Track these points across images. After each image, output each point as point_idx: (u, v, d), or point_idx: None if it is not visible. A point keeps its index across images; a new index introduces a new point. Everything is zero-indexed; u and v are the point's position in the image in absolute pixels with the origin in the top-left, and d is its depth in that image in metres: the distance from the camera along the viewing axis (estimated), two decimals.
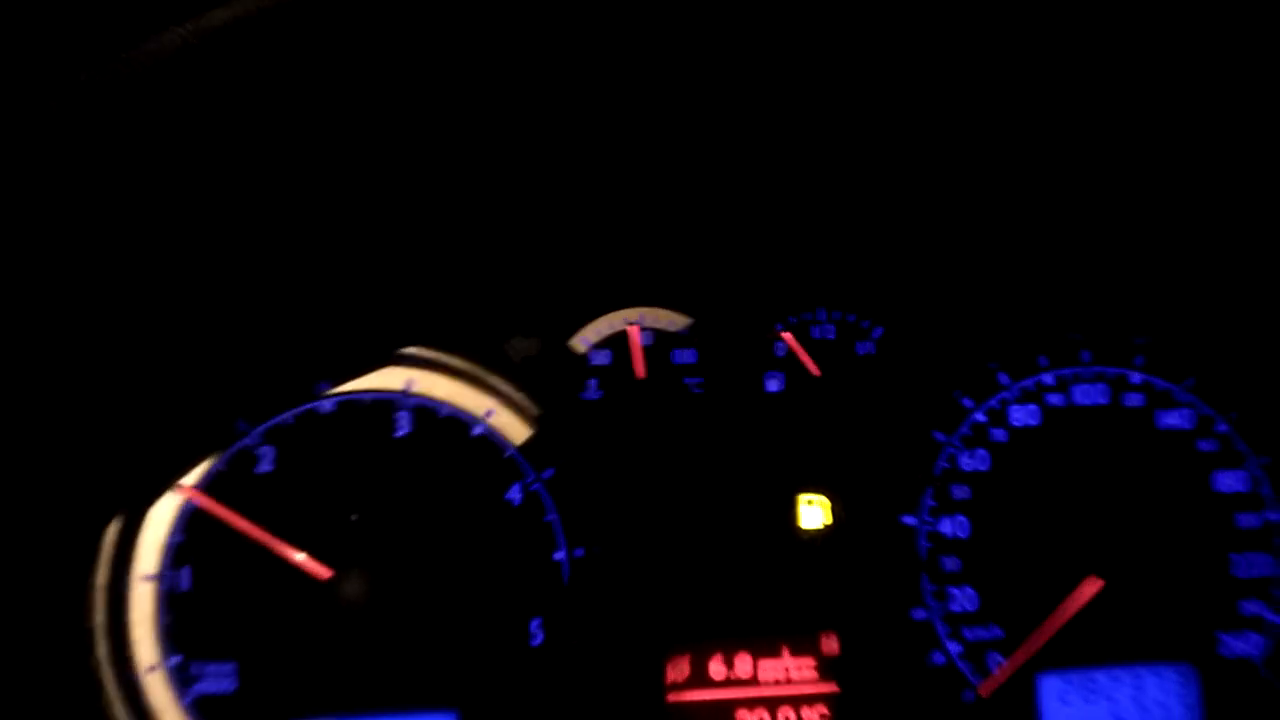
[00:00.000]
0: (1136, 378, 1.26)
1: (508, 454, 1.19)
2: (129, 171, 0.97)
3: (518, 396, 1.20)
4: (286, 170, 1.10)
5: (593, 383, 1.21)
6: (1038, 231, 1.26)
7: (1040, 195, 1.24)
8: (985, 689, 1.17)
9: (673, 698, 1.16)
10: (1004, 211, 1.25)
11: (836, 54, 1.11)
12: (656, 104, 1.14)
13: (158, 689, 1.12)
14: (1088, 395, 1.25)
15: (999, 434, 1.24)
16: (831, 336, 1.24)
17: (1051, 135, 1.13)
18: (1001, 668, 1.17)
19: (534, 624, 1.16)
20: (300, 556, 1.12)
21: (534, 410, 1.20)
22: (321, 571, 1.12)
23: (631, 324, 1.23)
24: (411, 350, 1.19)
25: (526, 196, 1.19)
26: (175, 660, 1.12)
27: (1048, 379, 1.25)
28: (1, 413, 1.08)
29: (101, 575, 1.13)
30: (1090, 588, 1.18)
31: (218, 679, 1.12)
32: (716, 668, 1.17)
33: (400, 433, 1.18)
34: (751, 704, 1.17)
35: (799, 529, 1.20)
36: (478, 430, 1.19)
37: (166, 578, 1.13)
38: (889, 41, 1.06)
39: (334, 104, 1.00)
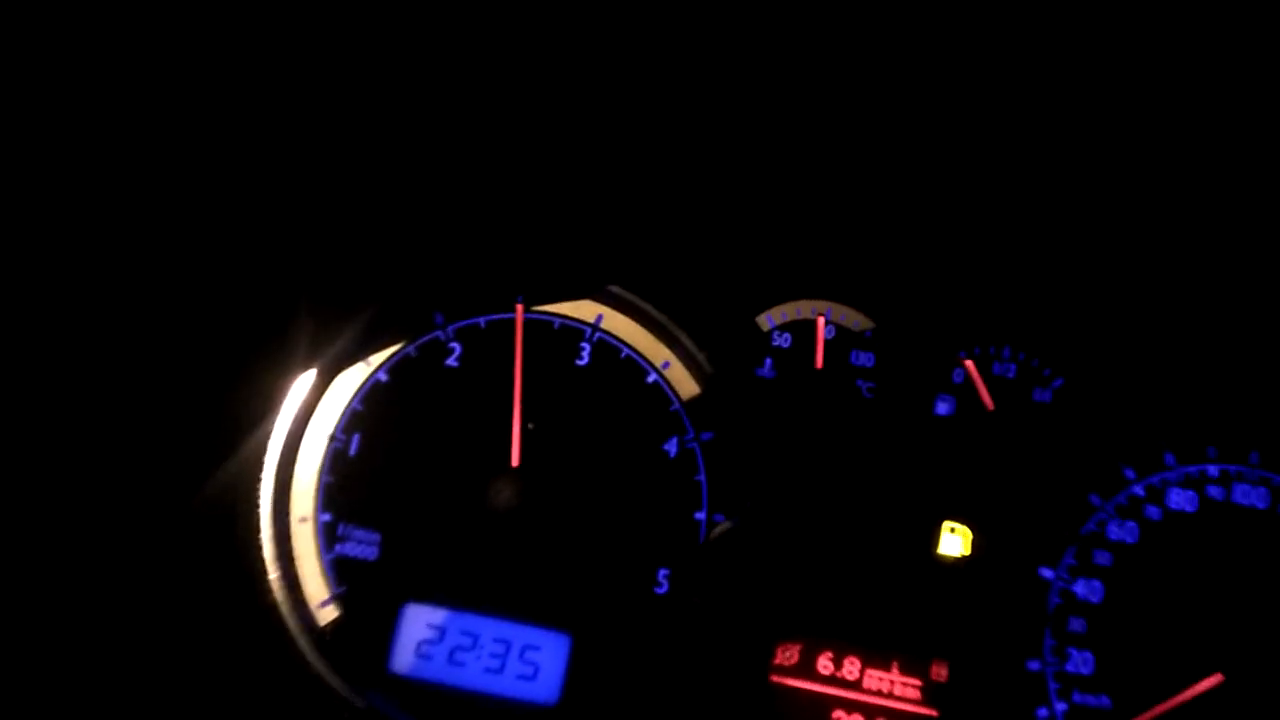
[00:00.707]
0: None
1: (674, 408, 1.22)
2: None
3: (697, 356, 1.24)
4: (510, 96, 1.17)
5: (769, 361, 1.24)
6: (1237, 323, 1.25)
7: (1245, 289, 1.24)
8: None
9: (776, 679, 1.18)
10: (1210, 300, 1.24)
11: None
12: (891, 109, 1.17)
13: (305, 539, 1.18)
14: (1248, 496, 1.24)
15: (1153, 511, 1.23)
16: (1011, 375, 1.25)
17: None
18: None
19: (661, 573, 1.19)
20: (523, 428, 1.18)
21: (709, 373, 1.24)
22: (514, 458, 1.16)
23: (820, 315, 1.25)
24: (612, 288, 1.24)
25: (751, 173, 1.23)
26: (326, 517, 1.18)
27: (1213, 470, 1.25)
28: (209, 261, 1.16)
29: (281, 426, 1.19)
30: (1209, 682, 1.17)
31: (361, 544, 1.18)
32: (824, 663, 1.19)
33: (581, 362, 1.22)
34: (849, 706, 1.18)
35: (936, 553, 1.21)
36: (651, 378, 1.23)
37: (338, 439, 1.19)
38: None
39: None
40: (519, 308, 1.22)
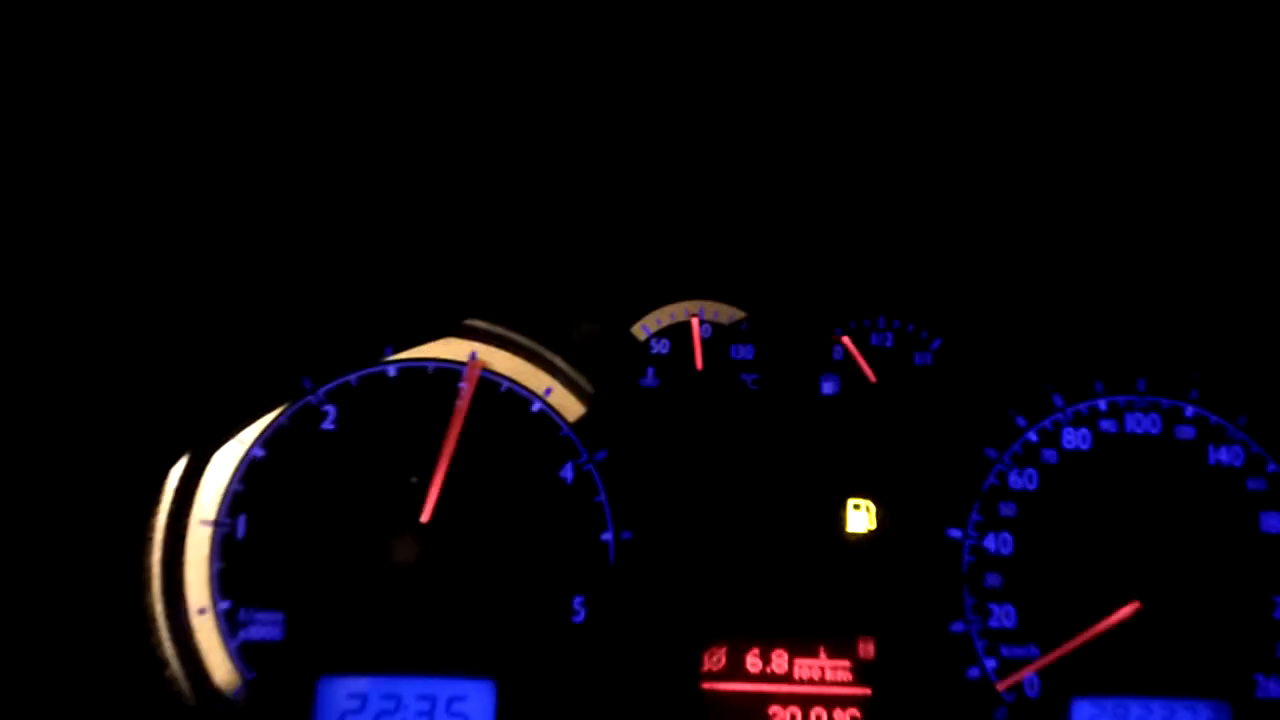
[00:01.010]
0: (1190, 411, 1.26)
1: (563, 432, 1.21)
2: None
3: (577, 377, 1.22)
4: (363, 135, 1.14)
5: (651, 370, 1.23)
6: (1105, 257, 1.27)
7: (1110, 222, 1.25)
8: (1003, 684, 1.18)
9: (707, 686, 1.17)
10: (1074, 235, 1.26)
11: (919, 56, 1.13)
12: (738, 97, 1.16)
13: (206, 631, 1.14)
14: (1140, 424, 1.26)
15: (1049, 455, 1.24)
16: (890, 344, 1.26)
17: (1129, 159, 1.14)
18: (1024, 669, 1.18)
19: (576, 601, 1.18)
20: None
21: (592, 392, 1.22)
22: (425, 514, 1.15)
23: (694, 315, 1.25)
24: (478, 324, 1.22)
25: (602, 182, 1.22)
26: (225, 605, 1.15)
27: (1102, 405, 1.26)
28: (76, 351, 1.12)
29: (161, 517, 1.15)
30: (1127, 610, 1.18)
31: (265, 626, 1.14)
32: (752, 661, 1.18)
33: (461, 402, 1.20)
34: (784, 700, 1.18)
35: (844, 532, 1.21)
36: (536, 407, 1.21)
37: (223, 524, 1.16)
38: (965, 47, 1.09)
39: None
40: (475, 366, 1.20)
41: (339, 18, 0.96)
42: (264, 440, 1.18)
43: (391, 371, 1.20)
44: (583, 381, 1.22)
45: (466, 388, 1.17)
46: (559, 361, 1.22)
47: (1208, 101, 1.13)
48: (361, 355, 1.20)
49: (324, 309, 1.20)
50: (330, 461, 1.17)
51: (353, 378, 1.20)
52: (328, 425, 1.18)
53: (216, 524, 1.16)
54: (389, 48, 1.02)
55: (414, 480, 1.16)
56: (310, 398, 1.19)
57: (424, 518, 1.15)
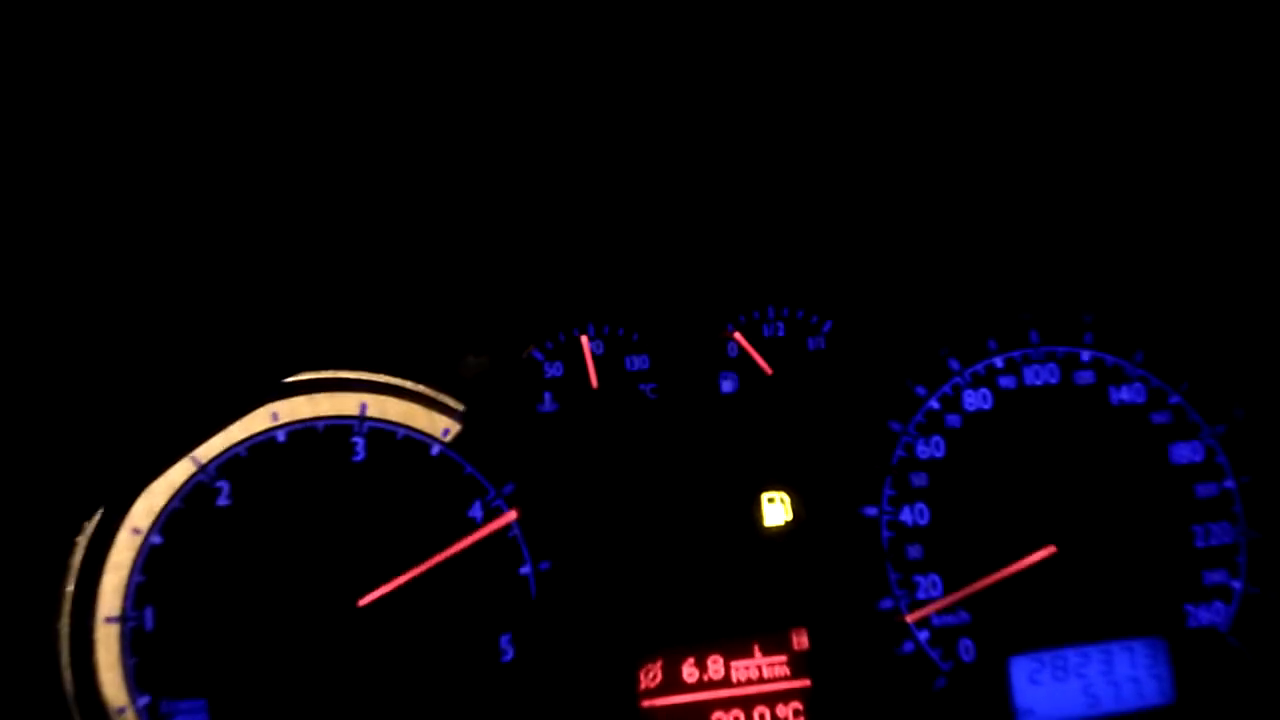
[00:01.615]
0: (1086, 355, 1.27)
1: (467, 472, 1.19)
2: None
3: (473, 414, 1.20)
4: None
5: (547, 395, 1.22)
6: (978, 214, 1.27)
7: (974, 177, 1.25)
8: (912, 616, 1.19)
9: (647, 704, 1.16)
10: (942, 196, 1.26)
11: (766, 47, 1.12)
12: (590, 108, 1.15)
13: None
14: (1039, 375, 1.26)
15: (953, 420, 1.25)
16: (782, 334, 1.25)
17: (976, 114, 1.15)
18: (936, 602, 1.19)
19: (504, 640, 1.16)
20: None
21: (491, 426, 1.20)
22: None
23: (581, 334, 1.23)
24: (363, 375, 1.19)
25: (471, 213, 1.20)
26: (144, 701, 1.12)
27: (998, 362, 1.26)
28: None
29: (64, 621, 1.12)
30: (1043, 552, 1.19)
31: (189, 715, 1.12)
32: (689, 671, 1.17)
33: (358, 458, 1.18)
34: (726, 705, 1.17)
35: (762, 527, 1.21)
36: (435, 450, 1.19)
37: (130, 618, 1.13)
38: (816, 31, 1.08)
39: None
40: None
41: None
42: (160, 526, 1.15)
43: (281, 437, 1.17)
44: (480, 417, 1.20)
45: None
46: (451, 401, 1.20)
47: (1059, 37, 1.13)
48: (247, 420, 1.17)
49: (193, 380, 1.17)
50: (231, 538, 1.14)
51: (242, 449, 1.17)
52: (223, 501, 1.15)
53: (123, 619, 1.13)
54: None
55: (319, 548, 1.14)
56: (201, 475, 1.16)
57: (363, 601, 1.13)
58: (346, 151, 1.10)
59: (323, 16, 0.94)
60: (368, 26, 0.97)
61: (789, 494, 1.21)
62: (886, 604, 1.20)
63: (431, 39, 1.01)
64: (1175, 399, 1.27)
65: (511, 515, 1.17)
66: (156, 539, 1.14)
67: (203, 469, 1.16)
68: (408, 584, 1.15)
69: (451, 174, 1.16)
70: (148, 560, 1.14)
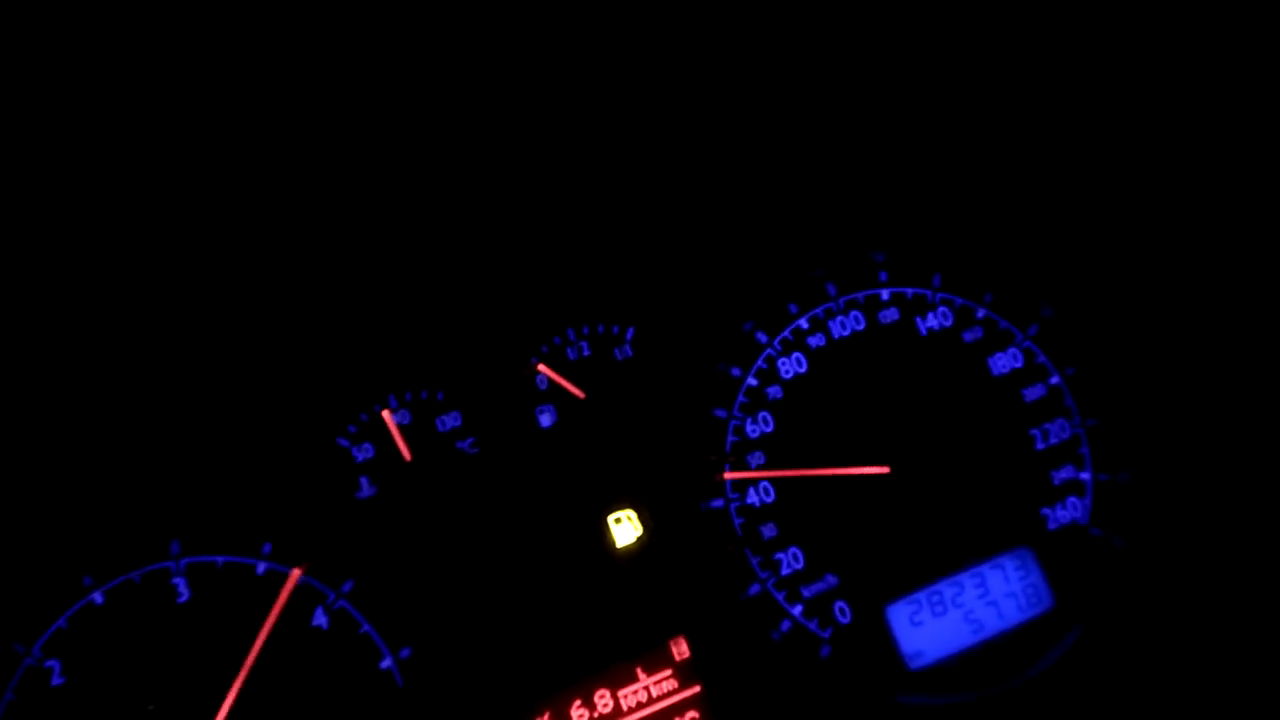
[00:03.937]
0: (886, 294, 1.28)
1: (300, 582, 1.15)
2: None
3: (291, 519, 1.16)
4: None
5: (364, 480, 1.18)
6: (748, 183, 1.26)
7: (736, 144, 1.24)
8: (727, 475, 1.20)
9: None
10: (712, 172, 1.24)
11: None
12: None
13: None
14: (845, 326, 1.26)
15: (774, 391, 1.24)
16: (587, 353, 1.23)
17: (741, 67, 1.14)
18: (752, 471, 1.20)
19: None
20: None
21: (312, 527, 1.16)
22: None
23: (382, 409, 1.19)
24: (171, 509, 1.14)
25: (246, 304, 1.16)
26: None
27: (803, 323, 1.26)
28: None
29: None
30: (877, 469, 1.21)
31: None
32: (579, 713, 1.15)
33: (183, 599, 1.13)
34: None
35: (615, 549, 1.19)
36: (262, 568, 1.15)
37: None
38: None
39: None
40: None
41: None
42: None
43: (99, 599, 1.12)
44: (298, 522, 1.16)
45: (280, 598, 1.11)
46: (266, 512, 1.16)
47: None
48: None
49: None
50: (76, 716, 1.09)
51: (62, 621, 1.11)
52: (56, 680, 1.09)
53: None
54: None
55: (151, 708, 1.08)
56: (28, 660, 1.10)
57: None
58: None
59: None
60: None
61: (633, 509, 1.19)
62: (755, 589, 1.19)
63: None
64: (982, 313, 1.28)
65: (297, 572, 1.12)
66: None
67: (28, 653, 1.10)
68: (269, 710, 1.10)
69: (218, 267, 1.12)
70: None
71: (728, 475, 1.18)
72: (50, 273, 1.05)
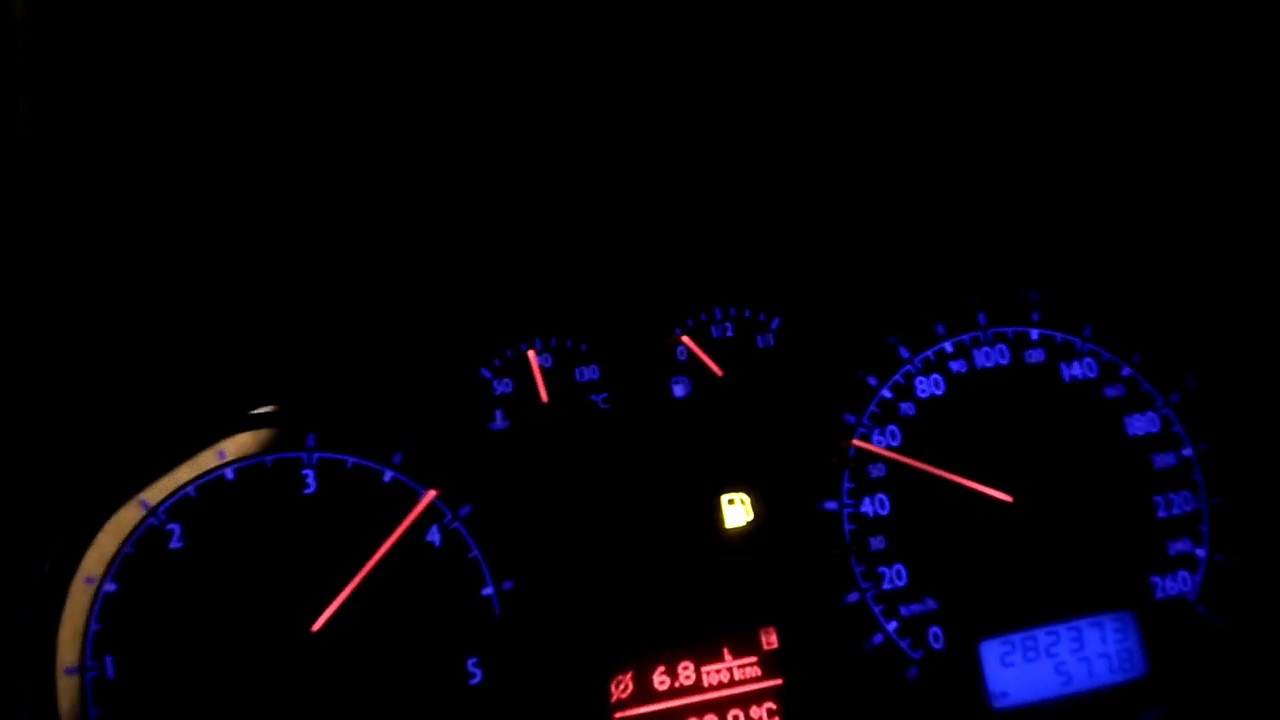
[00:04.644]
0: (1035, 334, 1.27)
1: (420, 495, 1.18)
2: None
3: (425, 436, 1.19)
4: None
5: (498, 412, 1.21)
6: (919, 199, 1.27)
7: (911, 162, 1.25)
8: (850, 442, 1.21)
9: (619, 715, 1.15)
10: (884, 184, 1.26)
11: (691, 50, 1.12)
12: (521, 124, 1.15)
13: None
14: (989, 357, 1.26)
15: (907, 407, 1.24)
16: (731, 334, 1.24)
17: (909, 98, 1.15)
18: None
19: (470, 663, 1.15)
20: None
21: (443, 448, 1.19)
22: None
23: (529, 348, 1.22)
24: (309, 405, 1.18)
25: (407, 237, 1.20)
26: None
27: (948, 347, 1.26)
28: None
29: (23, 674, 1.10)
30: (1002, 495, 1.21)
31: None
32: (660, 679, 1.17)
33: (309, 490, 1.16)
34: (700, 709, 1.16)
35: (724, 529, 1.20)
36: (388, 476, 1.18)
37: (90, 668, 1.11)
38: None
39: None
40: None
41: None
42: (113, 573, 1.13)
43: (229, 475, 1.16)
44: (432, 439, 1.19)
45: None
46: (402, 424, 1.19)
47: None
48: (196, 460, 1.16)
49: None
50: (186, 580, 1.13)
51: (190, 489, 1.15)
52: (175, 544, 1.14)
53: (82, 669, 1.11)
54: None
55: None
56: (152, 519, 1.14)
57: (315, 627, 1.12)
58: (279, 174, 1.09)
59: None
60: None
61: (748, 494, 1.21)
62: (853, 597, 1.19)
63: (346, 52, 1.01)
64: (1127, 371, 1.27)
65: (432, 494, 1.15)
66: (111, 586, 1.13)
67: (152, 513, 1.15)
68: (370, 612, 1.14)
69: (391, 196, 1.16)
70: (103, 608, 1.12)
71: (855, 442, 1.19)
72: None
